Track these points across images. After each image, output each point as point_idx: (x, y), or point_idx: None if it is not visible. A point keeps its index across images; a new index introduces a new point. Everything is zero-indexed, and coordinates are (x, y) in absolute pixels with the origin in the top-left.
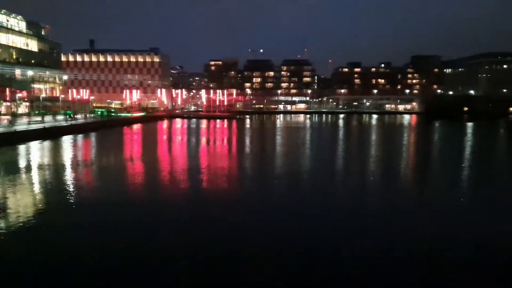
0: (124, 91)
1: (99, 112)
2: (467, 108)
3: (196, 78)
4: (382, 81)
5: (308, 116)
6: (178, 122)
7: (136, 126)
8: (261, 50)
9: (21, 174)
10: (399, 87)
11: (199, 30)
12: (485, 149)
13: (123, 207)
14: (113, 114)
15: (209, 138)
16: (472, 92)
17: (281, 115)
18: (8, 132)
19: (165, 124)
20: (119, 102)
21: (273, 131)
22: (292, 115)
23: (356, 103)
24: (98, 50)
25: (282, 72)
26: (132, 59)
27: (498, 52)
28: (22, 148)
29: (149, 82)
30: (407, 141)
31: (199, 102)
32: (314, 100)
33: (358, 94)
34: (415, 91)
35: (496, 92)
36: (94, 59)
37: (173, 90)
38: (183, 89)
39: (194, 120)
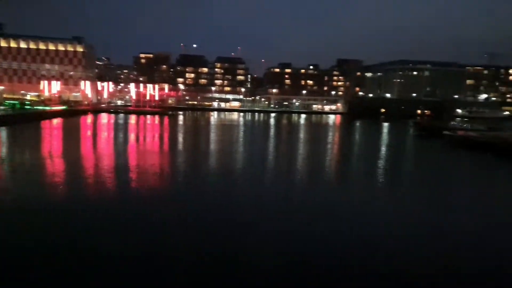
0: (42, 82)
1: (10, 104)
2: (383, 110)
3: (125, 71)
4: (311, 82)
5: (241, 114)
6: (104, 117)
7: (56, 121)
8: (195, 45)
9: None
10: (325, 88)
11: (128, 21)
12: (390, 146)
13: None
14: (27, 107)
15: (138, 135)
16: (388, 95)
17: (215, 112)
18: None
19: (89, 119)
20: (36, 94)
21: (207, 129)
22: (226, 112)
23: (286, 103)
24: (9, 34)
25: (216, 69)
26: (51, 47)
27: (409, 60)
28: None
29: (71, 73)
30: (329, 139)
31: (127, 97)
32: (248, 98)
33: (288, 94)
34: (340, 93)
35: (407, 96)
36: (3, 44)
37: (99, 82)
38: (110, 82)
39: (121, 115)
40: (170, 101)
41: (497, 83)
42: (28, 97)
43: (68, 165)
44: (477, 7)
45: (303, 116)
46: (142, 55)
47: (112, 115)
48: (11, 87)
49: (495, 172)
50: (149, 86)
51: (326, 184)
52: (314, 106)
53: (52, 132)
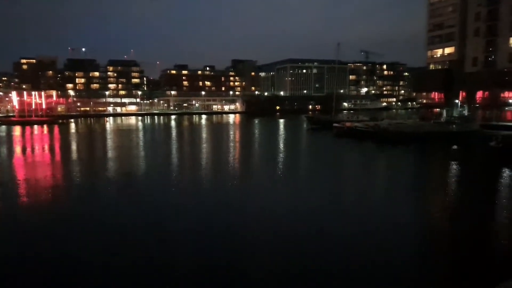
0: None
1: None
2: (278, 107)
3: (4, 78)
4: (208, 83)
5: (140, 118)
6: None
7: None
8: (84, 49)
9: None
10: (223, 88)
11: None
12: (286, 139)
13: None
14: None
15: (25, 146)
16: (281, 93)
17: (111, 117)
18: None
19: None
20: None
21: (102, 135)
22: (123, 117)
23: (186, 104)
24: None
25: (109, 73)
26: None
27: (298, 58)
28: None
29: None
30: (231, 136)
31: (9, 106)
32: (145, 101)
33: (187, 96)
34: (237, 93)
35: (298, 93)
36: None
37: None
38: None
39: (3, 127)
40: (59, 109)
41: (374, 78)
42: None
43: None
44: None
45: (203, 116)
46: (23, 61)
47: None
48: None
49: (372, 155)
50: (34, 93)
51: (229, 177)
52: (214, 106)
53: None
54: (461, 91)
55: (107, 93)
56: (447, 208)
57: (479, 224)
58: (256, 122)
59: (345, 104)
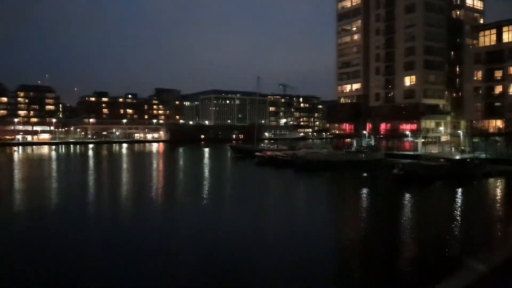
0: None
1: None
2: (203, 136)
3: None
4: (130, 111)
5: (53, 147)
6: None
7: None
8: None
9: None
10: (146, 117)
11: None
12: (210, 167)
13: None
14: None
15: None
16: (206, 122)
17: (20, 146)
18: None
19: None
20: None
21: (8, 166)
22: (34, 146)
23: (105, 133)
24: None
25: (19, 99)
26: None
27: (221, 90)
28: None
29: None
30: (153, 166)
31: None
32: (60, 129)
33: (107, 124)
34: (161, 121)
35: (222, 122)
36: None
37: None
38: None
39: None
40: None
41: (292, 109)
42: None
43: None
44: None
45: (124, 145)
46: None
47: None
48: None
49: (291, 182)
50: None
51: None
52: (136, 135)
53: None
54: (368, 123)
55: (16, 120)
56: (358, 226)
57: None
58: (181, 150)
59: (266, 134)
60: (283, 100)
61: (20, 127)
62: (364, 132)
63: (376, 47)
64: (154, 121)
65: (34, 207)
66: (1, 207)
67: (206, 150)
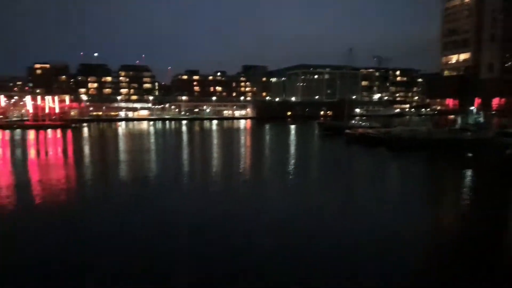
0: None
1: None
2: (290, 113)
3: (18, 83)
4: (219, 88)
5: (151, 123)
6: None
7: None
8: (96, 54)
9: None
10: (234, 94)
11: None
12: (298, 145)
13: None
14: None
15: (40, 150)
16: (293, 98)
17: (123, 122)
18: None
19: None
20: None
21: (115, 140)
22: (135, 122)
23: (197, 110)
24: None
25: (121, 78)
26: None
27: (310, 64)
28: None
29: None
30: (244, 142)
31: (23, 110)
32: (157, 106)
33: (198, 101)
34: (248, 98)
35: (310, 98)
36: None
37: None
38: (1, 96)
39: (18, 131)
40: (72, 113)
41: (387, 84)
42: None
43: None
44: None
45: (214, 122)
46: (37, 66)
47: (7, 132)
48: None
49: (384, 162)
50: (48, 98)
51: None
52: (225, 112)
53: None
54: (476, 98)
55: (119, 98)
56: (458, 216)
57: (491, 231)
58: (267, 127)
59: (357, 110)
60: (377, 73)
61: (123, 104)
62: (472, 108)
63: (492, 10)
64: (242, 98)
65: (137, 176)
66: (109, 176)
67: (293, 127)
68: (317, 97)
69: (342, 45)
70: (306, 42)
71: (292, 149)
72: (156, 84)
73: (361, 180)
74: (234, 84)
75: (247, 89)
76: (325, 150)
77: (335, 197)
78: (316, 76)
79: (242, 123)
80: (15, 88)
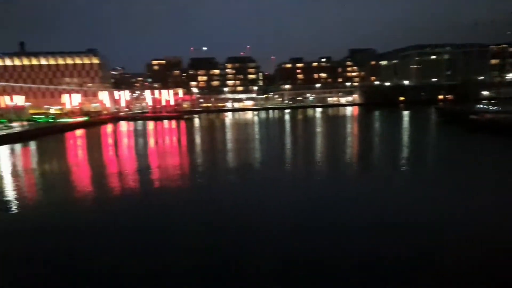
0: (63, 95)
1: (36, 119)
2: (402, 98)
3: (139, 79)
4: (324, 75)
5: (256, 112)
6: (123, 125)
7: (80, 131)
8: (204, 48)
9: None
10: (340, 80)
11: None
12: (415, 134)
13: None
14: (51, 120)
15: (159, 139)
16: (406, 82)
17: (230, 112)
18: None
19: (109, 128)
20: (59, 107)
21: (224, 129)
22: (240, 112)
23: (300, 98)
24: (30, 53)
25: (227, 70)
26: (69, 61)
27: (426, 44)
28: None
29: (89, 84)
30: (353, 130)
31: (143, 104)
32: (261, 96)
33: (302, 89)
34: (355, 83)
35: (426, 81)
36: (26, 62)
37: (116, 92)
38: (126, 91)
39: (140, 122)
40: (185, 105)
41: None
42: (52, 111)
43: (97, 171)
44: None
45: (318, 110)
46: (154, 62)
47: (131, 123)
48: (36, 102)
49: None
50: (164, 91)
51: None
52: (330, 99)
53: (75, 142)
54: None
55: (225, 89)
56: None
57: None
58: (377, 114)
59: (485, 92)
60: (511, 49)
61: (229, 96)
62: None
63: None
64: (348, 84)
65: (241, 164)
66: (217, 163)
67: (406, 113)
68: (434, 79)
69: (465, 20)
70: (420, 21)
71: (405, 137)
72: (260, 74)
73: (485, 181)
74: (339, 70)
75: (354, 74)
76: (445, 138)
77: (448, 200)
78: (433, 57)
79: (349, 110)
80: (137, 84)
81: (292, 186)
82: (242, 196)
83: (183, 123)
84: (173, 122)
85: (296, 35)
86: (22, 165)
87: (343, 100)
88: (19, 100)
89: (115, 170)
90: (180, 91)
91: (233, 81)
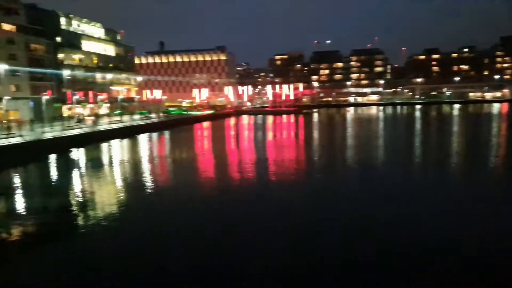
0: (193, 90)
1: (170, 111)
2: None
3: (262, 74)
4: (465, 67)
5: (381, 108)
6: (245, 119)
7: (206, 123)
8: (328, 41)
9: (106, 169)
10: (486, 72)
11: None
12: None
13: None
14: (184, 112)
15: (277, 133)
16: None
17: (352, 107)
18: (92, 132)
19: (232, 120)
20: (190, 101)
21: (343, 124)
22: (364, 107)
23: (434, 93)
24: (168, 51)
25: (352, 63)
26: (200, 58)
27: None
28: (105, 146)
29: (216, 80)
30: (495, 130)
31: (264, 98)
32: (387, 90)
33: (436, 83)
34: (507, 76)
35: None
36: (164, 60)
37: (239, 87)
38: (249, 86)
39: (260, 116)
40: (304, 100)
41: None
42: (183, 104)
43: (223, 159)
44: None
45: (456, 106)
46: (277, 57)
47: (252, 116)
48: (171, 96)
49: None
50: (284, 86)
51: None
52: (471, 94)
53: (203, 132)
54: None
55: (348, 83)
56: None
57: None
58: None
59: None
60: None
61: (352, 90)
62: None
63: None
64: (497, 77)
65: (362, 162)
66: (336, 159)
67: None
68: None
69: None
70: None
71: None
72: (388, 67)
73: None
74: (486, 61)
75: (505, 65)
76: None
77: None
78: None
79: (496, 107)
80: (259, 79)
81: (435, 192)
82: (358, 197)
83: (301, 118)
84: (292, 117)
85: (429, 25)
86: (158, 151)
87: (488, 95)
88: (157, 94)
89: (235, 160)
90: (301, 86)
91: (357, 75)
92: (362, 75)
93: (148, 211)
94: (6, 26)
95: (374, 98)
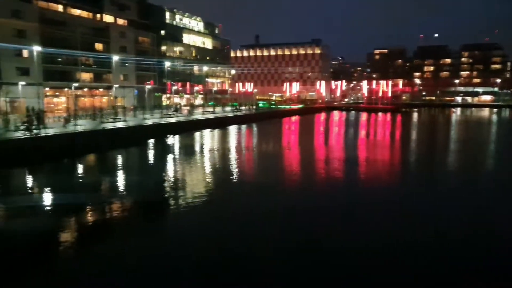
0: (284, 83)
1: (260, 104)
2: None
3: (358, 69)
4: None
5: (495, 110)
6: (336, 115)
7: (294, 118)
8: (436, 35)
9: (199, 156)
10: None
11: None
12: None
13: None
14: (273, 106)
15: (369, 131)
16: None
17: (459, 108)
18: (187, 121)
19: (322, 116)
20: (280, 94)
21: (450, 126)
22: (474, 108)
23: None
24: (263, 44)
25: (462, 59)
26: (294, 51)
27: None
28: (197, 134)
29: (309, 74)
30: None
31: (359, 94)
32: (505, 91)
33: None
34: None
35: None
36: (258, 53)
37: (333, 81)
38: (343, 81)
39: (353, 112)
40: (404, 97)
41: None
42: (273, 98)
43: (307, 156)
44: None
45: None
46: (376, 51)
47: (344, 113)
48: (262, 89)
49: None
50: (382, 82)
51: None
52: None
53: (290, 127)
54: None
55: (456, 81)
56: None
57: None
58: None
59: None
60: None
61: (461, 89)
62: None
63: None
64: None
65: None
66: (433, 164)
67: None
68: None
69: None
70: None
71: None
72: (508, 64)
73: None
74: None
75: None
76: None
77: None
78: None
79: None
80: (355, 74)
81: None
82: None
83: (399, 116)
84: (388, 115)
85: None
86: (245, 142)
87: None
88: (249, 87)
89: (322, 157)
90: (400, 82)
91: (468, 72)
92: (474, 73)
93: (242, 196)
94: (120, 21)
95: (487, 98)
